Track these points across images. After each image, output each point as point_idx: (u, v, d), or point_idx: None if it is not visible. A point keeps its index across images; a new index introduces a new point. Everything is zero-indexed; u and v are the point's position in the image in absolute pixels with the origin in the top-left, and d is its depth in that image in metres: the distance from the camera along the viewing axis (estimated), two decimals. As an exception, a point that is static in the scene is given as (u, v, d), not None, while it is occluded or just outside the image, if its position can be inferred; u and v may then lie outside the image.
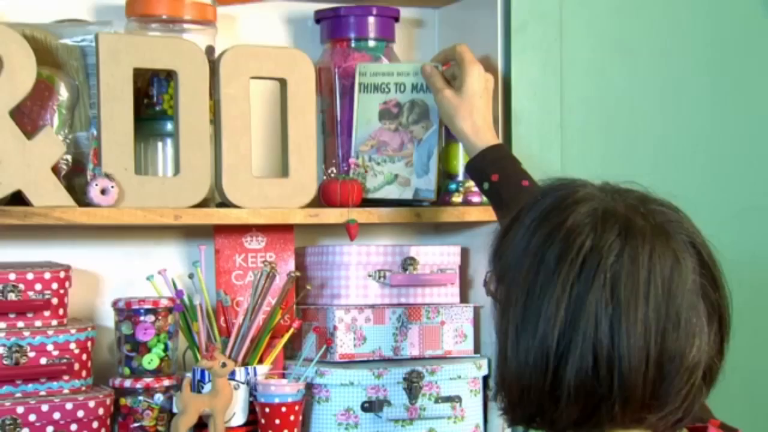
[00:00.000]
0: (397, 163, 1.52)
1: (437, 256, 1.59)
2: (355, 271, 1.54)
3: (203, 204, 1.45)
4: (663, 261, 0.85)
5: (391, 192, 1.53)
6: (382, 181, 1.53)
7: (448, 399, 1.54)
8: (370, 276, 1.54)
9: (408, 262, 1.57)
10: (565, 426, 0.86)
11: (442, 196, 1.60)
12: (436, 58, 1.51)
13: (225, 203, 1.47)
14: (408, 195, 1.54)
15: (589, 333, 0.82)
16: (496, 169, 1.36)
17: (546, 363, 0.84)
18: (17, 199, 1.34)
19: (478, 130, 1.39)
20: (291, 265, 1.58)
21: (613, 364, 0.82)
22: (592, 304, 0.83)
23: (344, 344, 1.52)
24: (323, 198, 1.55)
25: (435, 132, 1.50)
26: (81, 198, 1.38)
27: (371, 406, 1.49)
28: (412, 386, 1.51)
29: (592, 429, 0.86)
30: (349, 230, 1.55)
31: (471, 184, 1.59)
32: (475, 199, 1.59)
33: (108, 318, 1.49)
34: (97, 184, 1.37)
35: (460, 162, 1.59)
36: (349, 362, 1.53)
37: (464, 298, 1.65)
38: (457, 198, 1.58)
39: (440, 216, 1.58)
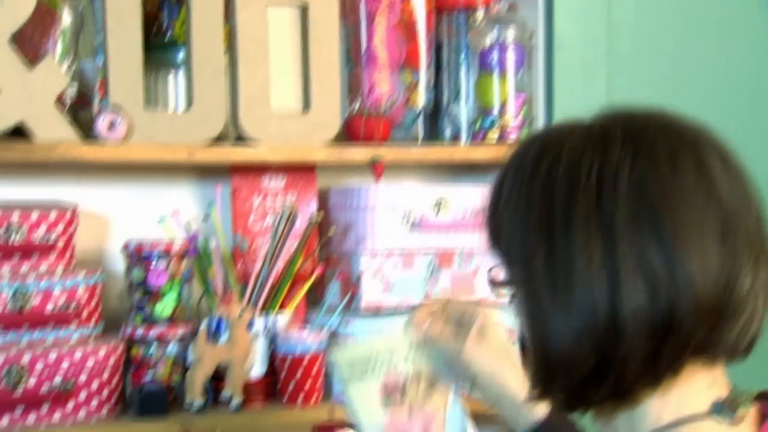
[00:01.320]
0: None
1: (471, 197, 1.56)
2: (382, 214, 1.50)
3: (218, 141, 1.42)
4: (684, 159, 0.77)
5: None
6: None
7: (482, 351, 1.52)
8: (398, 219, 1.51)
9: (439, 204, 1.53)
10: (630, 385, 0.78)
11: (477, 133, 1.56)
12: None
13: (241, 138, 1.44)
14: None
15: (635, 268, 0.75)
16: None
17: (599, 324, 0.76)
18: (19, 135, 1.31)
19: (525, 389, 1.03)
20: (313, 207, 1.56)
21: (677, 292, 0.75)
22: (626, 234, 0.75)
23: (370, 292, 1.50)
24: (347, 134, 1.52)
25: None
26: (87, 133, 1.35)
27: (399, 359, 1.48)
28: (443, 337, 1.49)
29: (664, 375, 0.78)
30: (374, 169, 1.52)
31: (509, 117, 1.55)
32: (513, 135, 1.55)
33: (118, 262, 1.47)
34: (104, 118, 1.35)
35: (495, 95, 1.55)
36: (376, 311, 1.51)
37: (499, 243, 1.62)
38: (493, 134, 1.55)
39: (475, 154, 1.54)
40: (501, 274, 0.84)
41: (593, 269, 0.76)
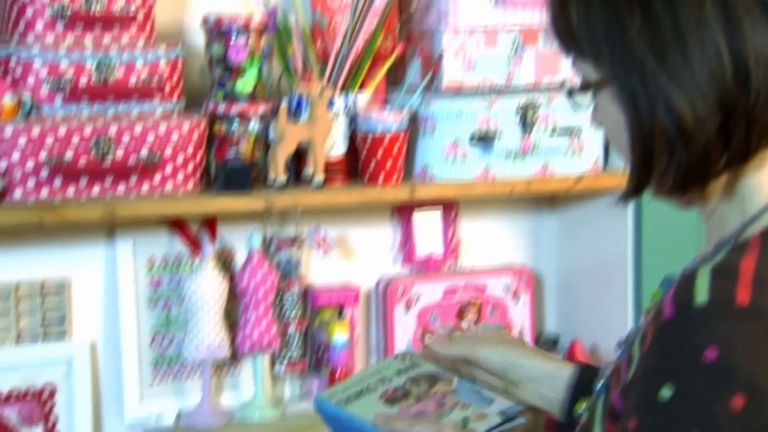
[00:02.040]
0: None
1: (558, -28, 1.51)
2: (465, -10, 1.48)
3: None
4: None
5: None
6: None
7: (566, 131, 1.52)
8: (481, -5, 1.48)
9: (525, -21, 1.50)
10: (758, 138, 0.75)
11: None
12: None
13: None
14: None
15: (752, 3, 0.73)
16: None
17: (724, 75, 0.73)
18: None
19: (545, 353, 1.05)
20: (393, -19, 1.53)
21: None
22: None
23: (452, 71, 1.49)
24: None
25: None
26: None
27: (481, 139, 1.48)
28: (526, 117, 1.49)
29: None
30: (458, -59, 1.47)
31: None
32: None
33: (198, 37, 1.47)
34: None
35: None
36: (457, 91, 1.50)
37: (586, 22, 1.58)
38: None
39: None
40: (579, 78, 0.80)
41: (706, 17, 0.73)
